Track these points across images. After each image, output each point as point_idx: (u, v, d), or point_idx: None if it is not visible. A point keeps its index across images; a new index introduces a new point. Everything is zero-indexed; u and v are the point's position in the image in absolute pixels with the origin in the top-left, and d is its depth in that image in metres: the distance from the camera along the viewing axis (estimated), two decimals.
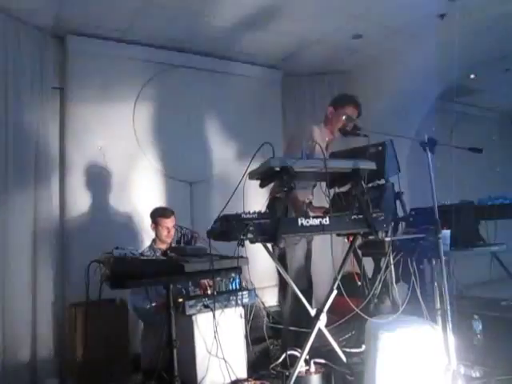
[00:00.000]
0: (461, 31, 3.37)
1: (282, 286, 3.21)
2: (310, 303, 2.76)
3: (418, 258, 2.47)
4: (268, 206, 3.01)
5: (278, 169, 2.23)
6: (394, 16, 4.07)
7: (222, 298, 2.74)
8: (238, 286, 2.84)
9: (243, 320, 2.83)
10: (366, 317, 2.43)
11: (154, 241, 3.60)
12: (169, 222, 3.51)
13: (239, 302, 2.78)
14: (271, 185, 2.65)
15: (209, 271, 2.33)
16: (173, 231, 3.53)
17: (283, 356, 2.81)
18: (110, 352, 3.19)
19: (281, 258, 3.06)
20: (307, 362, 2.56)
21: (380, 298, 2.90)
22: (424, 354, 2.21)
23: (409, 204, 3.70)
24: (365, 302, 2.64)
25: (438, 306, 2.39)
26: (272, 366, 2.84)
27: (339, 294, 2.58)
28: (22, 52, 3.68)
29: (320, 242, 3.39)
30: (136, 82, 4.34)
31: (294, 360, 2.60)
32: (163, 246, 3.47)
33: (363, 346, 2.66)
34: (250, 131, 4.75)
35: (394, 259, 2.53)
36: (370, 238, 2.57)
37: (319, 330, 2.49)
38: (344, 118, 3.09)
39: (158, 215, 3.55)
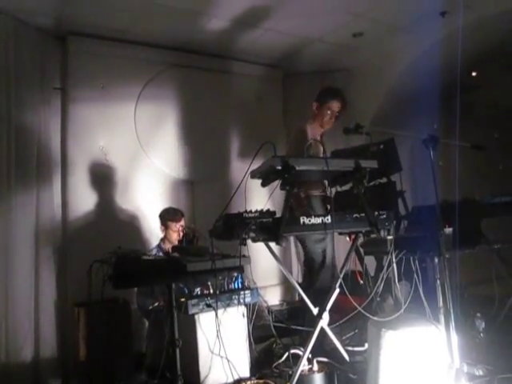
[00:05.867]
0: (462, 29, 3.36)
1: (306, 280, 3.23)
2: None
3: (420, 257, 2.46)
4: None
5: (279, 168, 2.23)
6: (395, 14, 4.07)
7: (224, 297, 2.75)
8: (240, 285, 2.85)
9: (246, 319, 2.83)
10: (369, 315, 2.43)
11: (162, 240, 3.61)
12: (179, 226, 3.54)
13: (242, 301, 2.79)
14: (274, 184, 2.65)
15: (211, 270, 2.33)
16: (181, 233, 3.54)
17: (286, 355, 2.82)
18: (113, 351, 3.19)
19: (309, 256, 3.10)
20: (310, 361, 2.56)
21: (382, 296, 2.90)
22: (427, 353, 2.20)
23: (410, 202, 3.70)
24: (367, 300, 2.64)
25: (441, 304, 2.38)
26: (275, 364, 2.85)
27: (342, 292, 2.58)
28: (24, 53, 3.68)
29: None
30: (137, 81, 4.34)
31: (296, 359, 2.60)
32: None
33: (366, 345, 2.66)
34: (251, 130, 4.75)
35: (396, 257, 2.53)
36: (372, 236, 2.57)
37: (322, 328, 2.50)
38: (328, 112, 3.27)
39: (167, 219, 3.57)
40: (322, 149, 3.30)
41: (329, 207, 3.22)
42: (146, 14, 3.77)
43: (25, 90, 3.67)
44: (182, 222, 3.57)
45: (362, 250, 3.12)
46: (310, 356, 2.53)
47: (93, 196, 4.04)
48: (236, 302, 2.78)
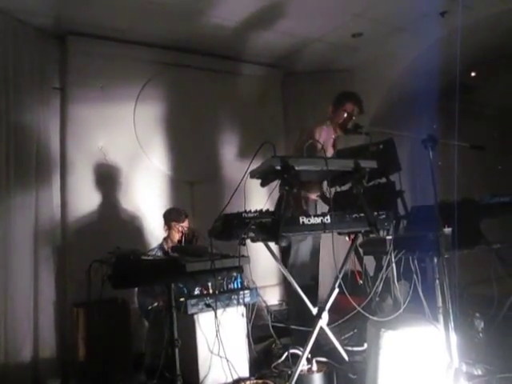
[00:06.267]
0: (461, 29, 3.36)
1: (288, 283, 3.23)
2: (316, 300, 2.77)
3: (419, 256, 2.46)
4: (276, 204, 3.02)
5: (278, 168, 2.23)
6: (395, 14, 4.07)
7: (223, 297, 2.75)
8: (239, 285, 2.85)
9: (245, 319, 2.83)
10: (368, 315, 2.43)
11: (164, 240, 3.61)
12: (179, 227, 3.52)
13: (241, 301, 2.79)
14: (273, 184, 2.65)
15: (210, 270, 2.33)
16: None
17: (285, 355, 2.82)
18: (112, 352, 3.19)
19: (284, 254, 3.09)
20: (309, 361, 2.56)
21: (382, 296, 2.90)
22: (426, 352, 2.20)
23: (410, 202, 3.69)
24: (366, 300, 2.64)
25: (440, 304, 2.38)
26: (274, 364, 2.85)
27: (341, 292, 2.58)
28: (23, 52, 3.68)
29: (322, 241, 3.40)
30: (136, 81, 4.34)
31: (296, 358, 2.60)
32: None
33: (365, 345, 2.66)
34: (251, 130, 4.75)
35: (395, 257, 2.53)
36: (372, 236, 2.57)
37: (321, 328, 2.50)
38: (345, 115, 3.24)
39: (171, 219, 3.55)
40: (323, 152, 3.29)
41: (322, 211, 3.22)
42: (146, 14, 3.77)
43: (24, 89, 3.67)
44: (186, 223, 3.55)
45: (361, 250, 3.12)
46: (309, 356, 2.53)
47: (92, 196, 4.03)
48: (235, 301, 2.77)
